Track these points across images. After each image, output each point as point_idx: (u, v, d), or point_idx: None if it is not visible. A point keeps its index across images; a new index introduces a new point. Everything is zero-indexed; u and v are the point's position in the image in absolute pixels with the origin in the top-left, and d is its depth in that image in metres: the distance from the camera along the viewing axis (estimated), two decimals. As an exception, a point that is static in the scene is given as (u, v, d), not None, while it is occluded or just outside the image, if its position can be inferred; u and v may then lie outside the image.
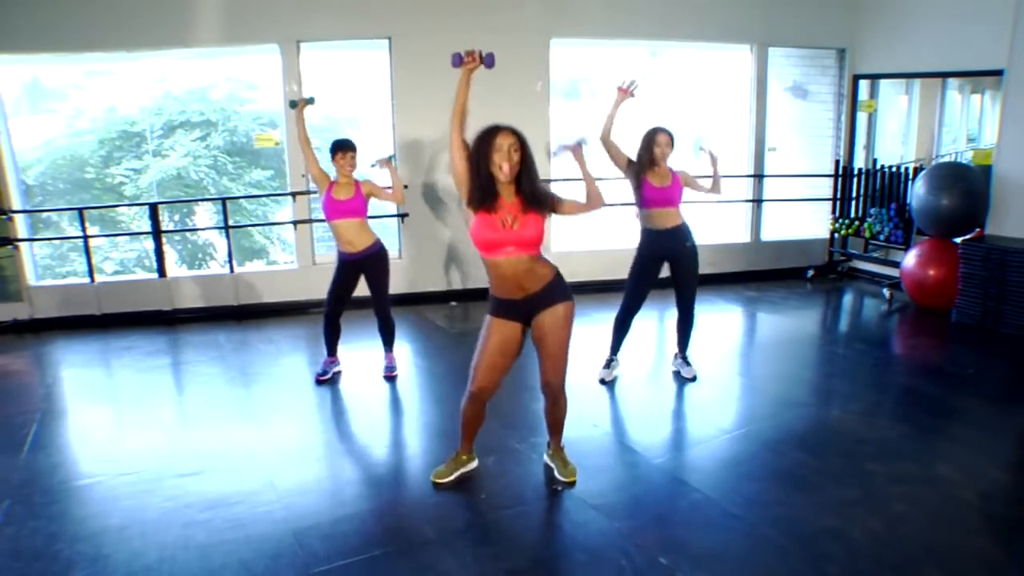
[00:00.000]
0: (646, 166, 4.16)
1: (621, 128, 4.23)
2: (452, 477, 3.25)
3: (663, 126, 4.18)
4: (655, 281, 4.37)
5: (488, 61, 2.97)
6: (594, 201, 3.08)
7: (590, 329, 5.00)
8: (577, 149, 3.21)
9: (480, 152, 2.82)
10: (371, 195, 4.36)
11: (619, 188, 4.45)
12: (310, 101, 4.41)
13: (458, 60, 2.96)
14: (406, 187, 6.11)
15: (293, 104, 4.40)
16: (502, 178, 2.82)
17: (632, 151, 4.23)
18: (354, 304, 4.55)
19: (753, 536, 2.85)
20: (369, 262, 4.36)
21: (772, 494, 3.16)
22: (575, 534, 2.89)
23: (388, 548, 2.78)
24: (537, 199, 2.88)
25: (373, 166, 4.55)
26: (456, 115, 2.92)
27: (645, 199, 4.20)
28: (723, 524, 2.94)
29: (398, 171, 4.87)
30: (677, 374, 4.55)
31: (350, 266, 4.36)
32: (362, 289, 4.47)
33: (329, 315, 4.46)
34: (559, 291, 3.00)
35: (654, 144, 4.13)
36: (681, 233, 4.25)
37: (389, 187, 4.47)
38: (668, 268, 4.35)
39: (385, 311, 4.52)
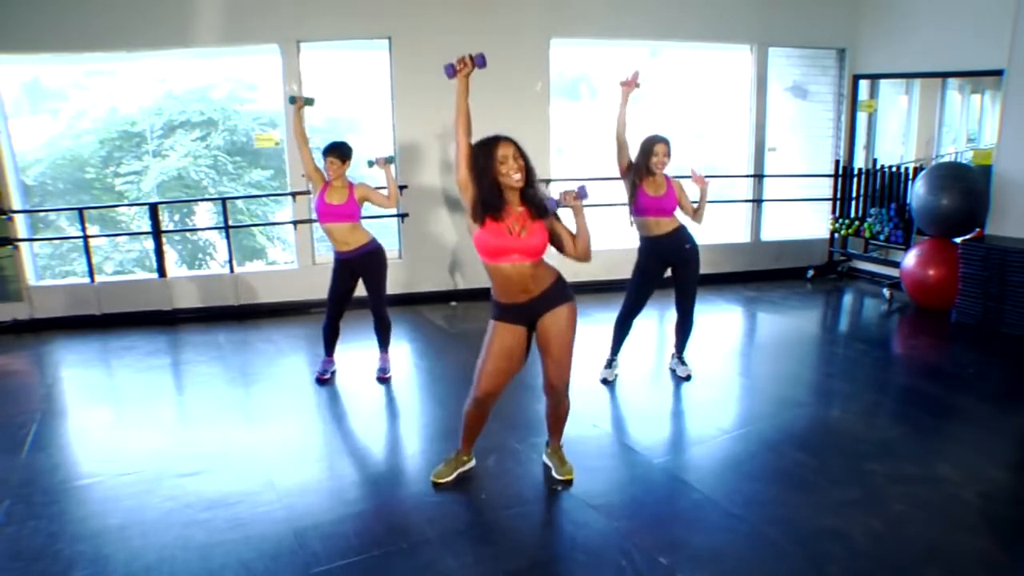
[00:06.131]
0: (643, 174, 4.17)
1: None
2: (452, 477, 3.25)
3: (661, 135, 4.17)
4: (657, 284, 4.36)
5: (479, 61, 2.93)
6: (583, 251, 2.96)
7: (591, 329, 5.00)
8: (577, 200, 2.93)
9: (483, 163, 2.82)
10: (365, 199, 4.32)
11: (617, 188, 4.44)
12: (309, 102, 4.42)
13: (451, 71, 2.93)
14: (405, 187, 6.14)
15: (292, 100, 4.40)
16: (514, 185, 2.82)
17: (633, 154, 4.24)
18: (354, 303, 4.54)
19: (753, 536, 2.85)
20: (365, 261, 4.35)
21: (772, 494, 3.16)
22: (575, 534, 2.89)
23: (388, 548, 2.78)
24: (540, 206, 2.87)
25: (371, 164, 4.46)
26: (460, 122, 2.91)
27: (639, 207, 4.20)
28: (723, 524, 2.94)
29: (396, 173, 4.85)
30: (673, 372, 4.56)
31: (346, 266, 4.36)
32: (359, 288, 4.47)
33: (330, 320, 4.48)
34: (562, 293, 3.01)
35: (651, 154, 4.13)
36: (680, 236, 4.25)
37: (384, 188, 4.41)
38: (670, 270, 4.35)
39: (381, 310, 4.50)
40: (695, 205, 4.31)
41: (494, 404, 3.16)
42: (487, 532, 2.94)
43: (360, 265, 4.37)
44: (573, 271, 6.39)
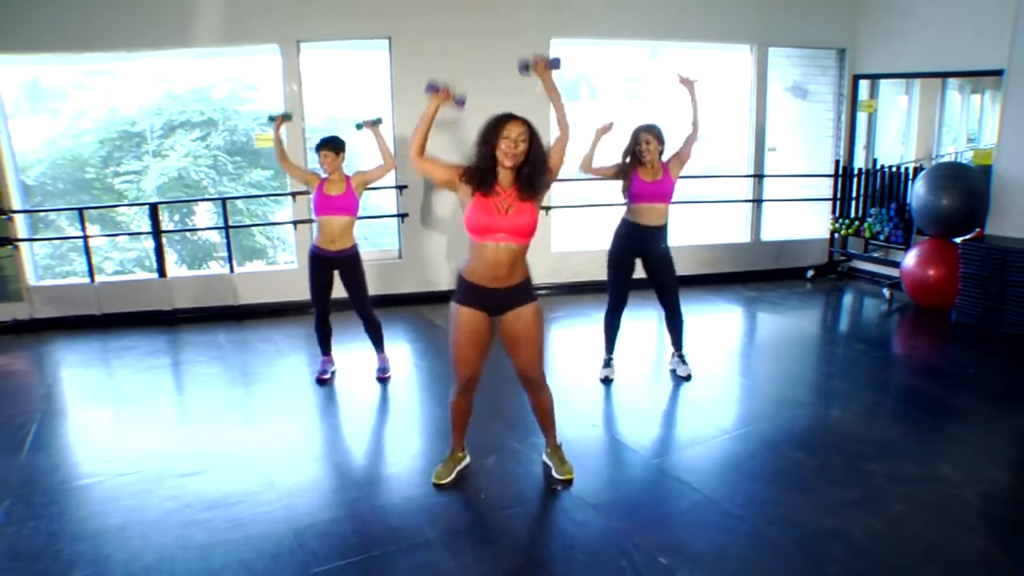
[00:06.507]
0: (635, 164, 4.21)
1: (617, 134, 4.31)
2: (452, 476, 3.26)
3: (648, 124, 4.22)
4: (632, 275, 4.38)
5: (459, 102, 3.02)
6: (562, 124, 3.10)
7: (589, 329, 5.00)
8: (547, 69, 3.18)
9: (488, 136, 2.87)
10: (364, 184, 4.32)
11: (611, 190, 4.46)
12: (287, 117, 4.50)
13: (433, 89, 3.00)
14: (405, 187, 6.14)
15: (271, 119, 4.45)
16: (503, 163, 2.86)
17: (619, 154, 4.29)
18: (349, 305, 4.55)
19: (753, 536, 2.85)
20: (344, 263, 4.36)
21: (772, 494, 3.16)
22: (575, 534, 2.89)
23: (388, 548, 2.78)
24: (535, 187, 2.91)
25: (359, 127, 4.44)
26: (417, 141, 3.01)
27: (634, 193, 4.23)
28: (723, 524, 2.94)
29: (393, 151, 4.80)
30: (674, 372, 4.56)
31: (325, 263, 4.35)
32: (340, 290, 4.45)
33: (320, 319, 4.48)
34: (527, 293, 3.04)
35: (638, 142, 4.18)
36: (660, 236, 4.30)
37: (379, 166, 4.36)
38: (643, 269, 4.37)
39: (367, 311, 4.50)
40: (690, 128, 4.34)
41: (476, 389, 3.18)
42: (487, 532, 2.94)
43: (341, 266, 4.36)
44: (573, 271, 6.44)
